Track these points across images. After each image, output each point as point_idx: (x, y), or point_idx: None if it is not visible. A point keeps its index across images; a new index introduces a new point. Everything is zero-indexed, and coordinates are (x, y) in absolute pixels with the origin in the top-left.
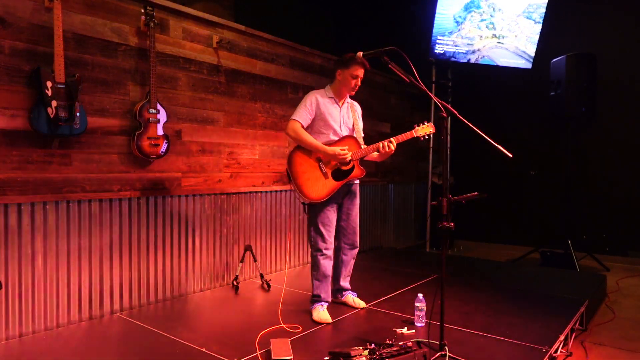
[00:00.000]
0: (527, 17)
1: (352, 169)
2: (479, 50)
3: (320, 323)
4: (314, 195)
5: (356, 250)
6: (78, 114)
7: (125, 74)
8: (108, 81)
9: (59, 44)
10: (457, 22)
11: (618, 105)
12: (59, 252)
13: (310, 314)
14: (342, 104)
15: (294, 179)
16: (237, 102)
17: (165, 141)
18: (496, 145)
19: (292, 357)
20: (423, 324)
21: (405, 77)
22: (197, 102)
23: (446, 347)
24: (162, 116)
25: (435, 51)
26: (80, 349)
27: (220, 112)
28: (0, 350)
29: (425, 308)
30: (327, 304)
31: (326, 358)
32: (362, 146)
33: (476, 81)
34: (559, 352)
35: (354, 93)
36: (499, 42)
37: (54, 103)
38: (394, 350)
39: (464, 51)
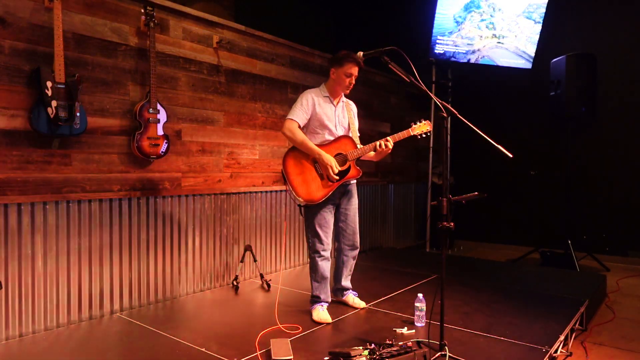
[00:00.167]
0: (527, 17)
1: (348, 169)
2: (479, 50)
3: (320, 323)
4: (310, 197)
5: (357, 251)
6: (78, 114)
7: (125, 74)
8: (108, 81)
9: (59, 44)
10: (457, 22)
11: (618, 105)
12: (59, 252)
13: (310, 314)
14: (337, 103)
15: (289, 180)
16: (237, 102)
17: (165, 141)
18: (496, 145)
19: (292, 357)
20: (423, 324)
21: (405, 77)
22: (197, 102)
23: (446, 347)
24: (162, 116)
25: (435, 51)
26: (80, 349)
27: (220, 112)
28: (0, 350)
29: (425, 308)
30: (327, 304)
31: (326, 358)
32: (358, 146)
33: (476, 81)
34: (559, 352)
35: (348, 92)
36: (499, 42)
37: (54, 103)
38: (394, 350)
39: (464, 51)
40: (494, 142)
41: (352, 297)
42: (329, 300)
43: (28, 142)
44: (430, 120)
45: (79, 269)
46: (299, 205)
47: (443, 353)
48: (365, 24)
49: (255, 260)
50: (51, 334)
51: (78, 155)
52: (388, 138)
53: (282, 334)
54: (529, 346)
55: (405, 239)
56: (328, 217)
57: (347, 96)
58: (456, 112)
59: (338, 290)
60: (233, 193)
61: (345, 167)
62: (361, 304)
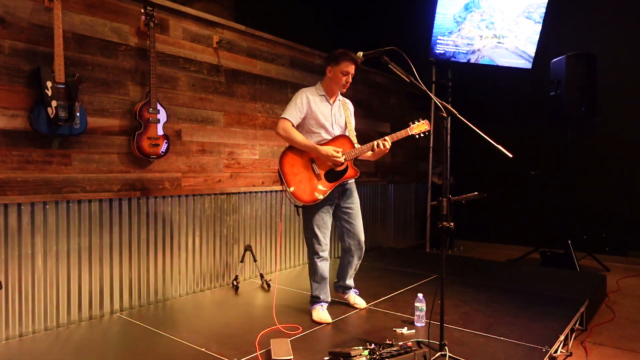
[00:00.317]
0: (527, 17)
1: (346, 169)
2: (479, 50)
3: (320, 323)
4: (307, 198)
5: (363, 251)
6: (78, 114)
7: (125, 74)
8: (108, 81)
9: (59, 44)
10: (457, 22)
11: (618, 105)
12: (59, 252)
13: (310, 314)
14: (334, 101)
15: (286, 181)
16: (237, 102)
17: (165, 141)
18: (496, 145)
19: (292, 357)
20: (423, 324)
21: (405, 77)
22: (197, 102)
23: (446, 347)
24: (162, 116)
25: (435, 51)
26: (80, 349)
27: (220, 112)
28: (0, 350)
29: (425, 308)
30: (327, 304)
31: (326, 358)
32: (356, 145)
33: (476, 81)
34: (559, 352)
35: (344, 90)
36: (499, 42)
37: (54, 103)
38: (394, 350)
39: (464, 51)
40: (494, 142)
41: (353, 296)
42: (329, 300)
43: (28, 142)
44: (430, 120)
45: (79, 269)
46: (296, 206)
47: (443, 353)
48: (365, 24)
49: (255, 260)
50: (51, 334)
51: (78, 155)
52: (386, 138)
53: (282, 334)
54: (529, 346)
55: (405, 239)
56: (326, 217)
57: (345, 95)
58: (456, 112)
59: (340, 288)
60: (233, 193)
61: (342, 167)
62: (362, 303)
